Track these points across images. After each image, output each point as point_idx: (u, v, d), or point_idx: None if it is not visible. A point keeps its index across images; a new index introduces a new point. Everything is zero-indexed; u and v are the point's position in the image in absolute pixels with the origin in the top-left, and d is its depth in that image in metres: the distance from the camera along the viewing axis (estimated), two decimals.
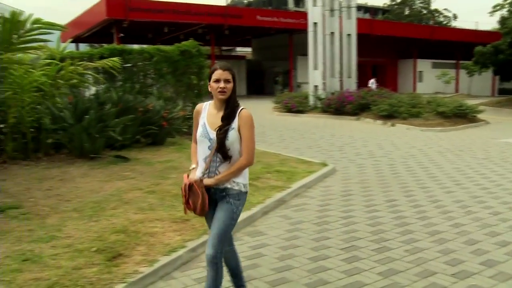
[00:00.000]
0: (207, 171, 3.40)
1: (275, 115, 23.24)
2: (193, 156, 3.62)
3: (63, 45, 11.04)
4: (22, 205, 6.19)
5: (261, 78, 48.69)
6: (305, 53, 25.94)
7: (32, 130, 9.22)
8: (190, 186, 3.42)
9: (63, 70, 8.95)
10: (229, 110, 3.36)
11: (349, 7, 23.52)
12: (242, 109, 3.40)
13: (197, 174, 3.48)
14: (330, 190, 7.84)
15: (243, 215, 5.95)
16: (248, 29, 39.41)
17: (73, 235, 5.08)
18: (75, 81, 9.49)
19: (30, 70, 8.38)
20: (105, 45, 16.55)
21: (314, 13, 23.10)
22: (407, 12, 69.77)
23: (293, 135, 15.20)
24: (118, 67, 9.13)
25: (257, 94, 44.57)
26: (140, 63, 13.09)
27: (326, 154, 11.42)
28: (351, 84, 23.31)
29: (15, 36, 6.05)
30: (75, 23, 36.97)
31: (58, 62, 9.06)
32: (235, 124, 3.34)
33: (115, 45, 14.02)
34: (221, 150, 3.32)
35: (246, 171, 3.47)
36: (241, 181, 3.42)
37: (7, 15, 5.87)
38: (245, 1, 69.76)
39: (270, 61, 47.06)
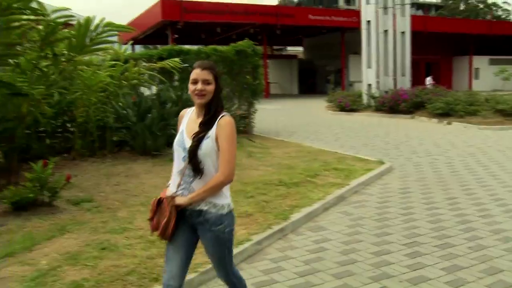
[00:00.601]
0: (181, 187, 2.93)
1: (329, 114, 23.22)
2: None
3: (124, 46, 11.46)
4: (94, 198, 6.56)
5: (312, 77, 48.60)
6: (357, 52, 25.82)
7: (97, 128, 9.67)
8: (160, 201, 2.97)
9: (127, 71, 9.34)
10: (209, 116, 2.90)
11: (403, 4, 23.22)
12: (223, 116, 2.91)
13: (170, 189, 3.02)
14: (389, 187, 7.86)
15: (305, 211, 6.11)
16: (300, 28, 39.46)
17: (144, 227, 5.35)
18: (136, 81, 9.87)
19: (97, 71, 8.80)
20: (159, 46, 16.96)
21: (367, 11, 22.91)
22: (462, 7, 67.88)
23: (348, 134, 15.19)
24: (178, 67, 9.45)
25: (309, 93, 44.53)
26: None
27: (382, 152, 11.39)
28: (405, 82, 23.01)
29: (87, 39, 6.41)
30: (131, 25, 37.96)
31: (122, 64, 9.45)
32: (212, 132, 2.87)
33: (173, 46, 14.43)
34: (192, 161, 2.84)
35: (226, 188, 2.97)
36: (220, 202, 2.92)
37: (82, 20, 6.25)
38: (295, 0, 69.66)
39: (322, 60, 46.91)
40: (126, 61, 9.83)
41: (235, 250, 4.72)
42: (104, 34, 6.73)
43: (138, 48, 42.44)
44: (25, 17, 5.65)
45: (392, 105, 20.76)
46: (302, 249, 5.08)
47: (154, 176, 7.98)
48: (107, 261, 4.37)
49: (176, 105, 10.03)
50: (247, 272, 4.49)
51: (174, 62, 9.36)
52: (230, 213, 2.97)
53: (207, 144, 2.84)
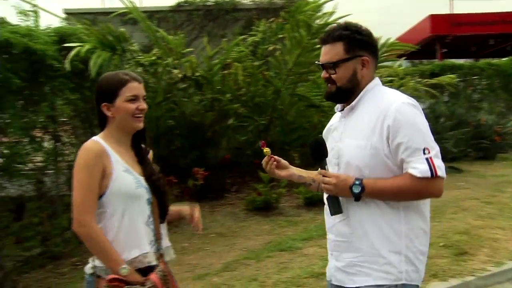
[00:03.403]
0: (153, 243, 2.19)
1: None
2: (110, 248, 2.03)
3: (398, 62, 12.02)
4: None
5: None
6: None
7: None
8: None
9: (403, 86, 9.84)
10: (144, 143, 2.31)
11: None
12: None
13: (139, 252, 2.10)
14: None
15: None
16: None
17: None
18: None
19: None
20: (425, 61, 16.97)
21: None
22: None
23: None
24: (454, 84, 9.62)
25: None
26: (469, 78, 13.22)
27: None
28: None
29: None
30: (399, 40, 38.41)
31: (399, 79, 10.00)
32: None
33: (444, 62, 14.52)
34: (163, 202, 2.23)
35: None
36: None
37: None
38: None
39: None
40: (401, 77, 10.35)
41: (496, 269, 4.74)
42: (387, 54, 7.39)
43: (404, 63, 42.65)
44: None
45: None
46: None
47: None
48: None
49: (450, 120, 10.19)
50: None
51: (449, 78, 9.56)
52: None
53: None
